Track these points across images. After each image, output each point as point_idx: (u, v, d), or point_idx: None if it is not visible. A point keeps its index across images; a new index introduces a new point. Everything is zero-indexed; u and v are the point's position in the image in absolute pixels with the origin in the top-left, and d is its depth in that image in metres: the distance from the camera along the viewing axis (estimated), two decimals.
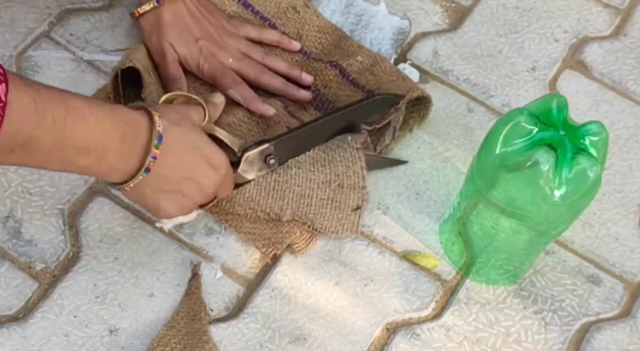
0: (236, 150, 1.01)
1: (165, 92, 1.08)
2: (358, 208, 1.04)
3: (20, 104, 0.78)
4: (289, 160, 1.04)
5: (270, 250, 1.02)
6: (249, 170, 1.02)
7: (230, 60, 1.11)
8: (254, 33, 1.15)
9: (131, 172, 0.90)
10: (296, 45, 1.16)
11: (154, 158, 0.89)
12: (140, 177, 0.90)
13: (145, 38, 1.10)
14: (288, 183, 1.02)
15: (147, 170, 0.89)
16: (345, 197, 1.04)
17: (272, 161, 1.02)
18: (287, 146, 1.03)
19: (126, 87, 1.08)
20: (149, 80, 1.07)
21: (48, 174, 1.05)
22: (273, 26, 1.18)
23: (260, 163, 1.02)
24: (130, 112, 0.89)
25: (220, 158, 0.96)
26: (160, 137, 0.89)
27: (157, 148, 0.89)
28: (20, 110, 0.78)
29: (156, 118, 0.89)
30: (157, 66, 1.10)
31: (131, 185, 0.90)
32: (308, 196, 1.03)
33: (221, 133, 1.00)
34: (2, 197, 1.04)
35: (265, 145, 1.02)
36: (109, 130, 0.86)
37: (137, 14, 1.09)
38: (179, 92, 1.02)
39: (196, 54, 1.09)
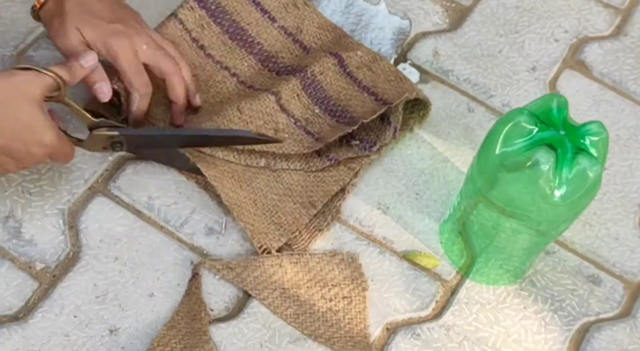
0: (85, 125, 1.01)
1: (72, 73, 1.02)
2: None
3: None
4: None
5: (265, 247, 1.02)
6: (94, 146, 1.02)
7: (145, 46, 1.03)
8: (153, 58, 1.04)
9: None
10: (197, 102, 1.10)
11: None
12: None
13: (48, 30, 1.04)
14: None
15: None
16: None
17: (117, 148, 1.03)
18: (138, 141, 1.03)
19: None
20: None
21: (48, 174, 1.05)
22: (273, 19, 1.18)
23: (106, 144, 1.03)
24: None
25: (44, 134, 0.94)
26: None
27: None
28: None
29: None
30: (65, 54, 1.02)
31: None
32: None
33: (73, 109, 1.00)
34: (2, 197, 1.04)
35: (115, 133, 1.02)
36: None
37: (37, 6, 1.04)
38: (25, 65, 0.97)
39: (106, 34, 1.00)
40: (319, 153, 1.09)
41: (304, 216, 1.05)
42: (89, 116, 1.01)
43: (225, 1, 1.17)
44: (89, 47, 1.01)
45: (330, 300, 1.00)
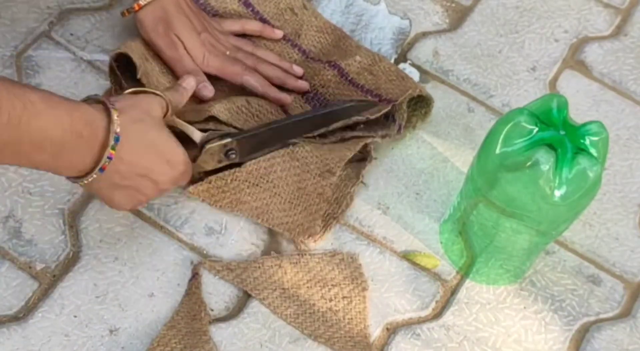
0: (197, 141, 1.00)
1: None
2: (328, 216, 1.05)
3: None
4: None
5: (306, 236, 1.02)
6: (208, 161, 1.01)
7: (228, 52, 1.11)
8: (236, 26, 1.16)
9: (86, 170, 0.89)
10: (278, 33, 1.17)
11: (110, 158, 0.89)
12: (95, 175, 0.89)
13: (148, 31, 1.08)
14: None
15: (102, 170, 0.89)
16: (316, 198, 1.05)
17: (232, 155, 1.02)
18: (250, 143, 1.03)
19: (126, 77, 1.08)
20: (146, 65, 1.06)
21: (48, 174, 1.05)
22: (272, 26, 1.18)
23: (221, 155, 1.01)
24: (89, 110, 0.88)
25: (178, 154, 0.95)
26: (117, 138, 0.88)
27: (113, 148, 0.88)
28: None
29: (114, 117, 0.89)
30: (169, 61, 1.09)
31: (85, 182, 0.90)
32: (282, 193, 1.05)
33: (182, 126, 0.99)
34: (2, 197, 1.04)
35: (228, 140, 1.01)
36: (66, 129, 0.85)
37: (137, 8, 1.08)
38: (140, 88, 0.99)
39: (200, 46, 1.09)
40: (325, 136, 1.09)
41: (325, 188, 1.04)
42: (198, 131, 1.00)
43: (223, 9, 1.17)
44: (190, 54, 1.09)
45: (330, 300, 1.00)
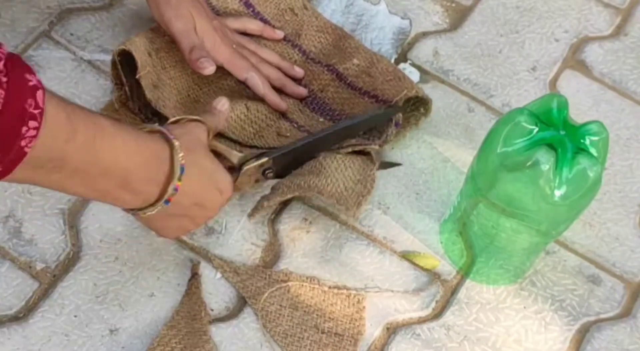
0: (235, 163, 0.99)
1: (188, 60, 1.07)
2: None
3: (54, 115, 0.75)
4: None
5: (354, 203, 1.03)
6: (246, 183, 1.01)
7: (234, 46, 1.10)
8: (238, 24, 1.15)
9: (150, 201, 0.88)
10: (279, 33, 1.17)
11: (176, 190, 0.87)
12: (159, 207, 0.88)
13: (160, 2, 1.06)
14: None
15: (167, 201, 0.88)
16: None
17: (269, 174, 1.01)
18: (286, 160, 1.03)
19: (127, 73, 1.08)
20: (148, 61, 1.06)
21: None
22: (272, 27, 1.18)
23: (258, 175, 1.01)
24: (153, 138, 0.87)
25: (227, 181, 0.95)
26: (182, 169, 0.87)
27: (179, 180, 0.87)
28: (54, 121, 0.75)
29: (177, 147, 0.87)
30: (176, 34, 1.06)
31: (148, 213, 0.88)
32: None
33: (222, 149, 0.99)
34: (2, 197, 1.04)
35: (264, 159, 1.00)
36: (134, 155, 0.84)
37: None
38: (183, 116, 0.97)
39: (212, 31, 1.08)
40: None
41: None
42: (237, 152, 1.00)
43: (224, 8, 1.18)
44: (195, 32, 1.06)
45: (322, 332, 0.99)
